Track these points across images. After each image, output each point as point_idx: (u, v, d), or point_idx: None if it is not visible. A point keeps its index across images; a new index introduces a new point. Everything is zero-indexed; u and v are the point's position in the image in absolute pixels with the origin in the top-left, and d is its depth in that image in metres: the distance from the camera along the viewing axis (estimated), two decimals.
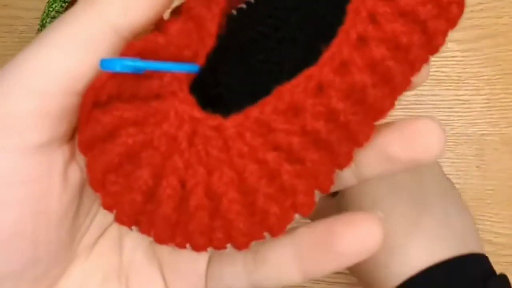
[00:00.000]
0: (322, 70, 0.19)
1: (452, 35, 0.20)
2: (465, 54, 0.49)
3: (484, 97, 0.49)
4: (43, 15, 0.43)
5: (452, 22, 0.19)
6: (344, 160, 0.20)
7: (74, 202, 0.21)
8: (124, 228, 0.20)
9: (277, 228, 0.19)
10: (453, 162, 0.48)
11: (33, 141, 0.19)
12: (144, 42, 0.19)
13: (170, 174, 0.19)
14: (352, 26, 0.19)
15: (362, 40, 0.19)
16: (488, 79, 0.49)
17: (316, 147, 0.19)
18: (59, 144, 0.20)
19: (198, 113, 0.19)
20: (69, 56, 0.19)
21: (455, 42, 0.49)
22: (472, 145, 0.48)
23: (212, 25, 0.20)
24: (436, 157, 0.21)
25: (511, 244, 0.47)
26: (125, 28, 0.20)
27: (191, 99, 0.19)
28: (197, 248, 0.20)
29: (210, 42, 0.20)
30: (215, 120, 0.19)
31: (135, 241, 0.24)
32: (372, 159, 0.21)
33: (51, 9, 0.43)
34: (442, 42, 0.19)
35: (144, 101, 0.19)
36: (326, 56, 0.19)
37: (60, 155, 0.20)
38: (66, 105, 0.19)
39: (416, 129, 0.21)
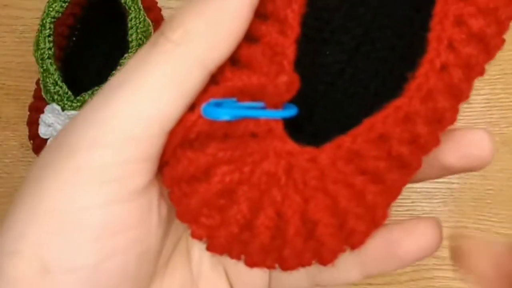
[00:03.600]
0: (411, 101, 0.20)
1: None
2: None
3: (484, 97, 0.49)
4: (43, 15, 0.43)
5: (503, 34, 0.21)
6: (415, 170, 0.21)
7: (165, 233, 0.22)
8: (192, 241, 0.21)
9: (360, 242, 0.21)
10: None
11: (135, 187, 0.19)
12: (236, 81, 0.20)
13: (268, 207, 0.19)
14: (437, 55, 0.20)
15: (443, 68, 0.20)
16: (488, 79, 0.49)
17: (397, 168, 0.20)
18: (154, 183, 0.20)
19: (294, 147, 0.20)
20: (160, 98, 0.19)
21: None
22: None
23: (290, 52, 0.20)
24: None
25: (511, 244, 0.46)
26: (213, 62, 0.19)
27: (285, 135, 0.20)
28: (286, 268, 0.21)
29: (289, 68, 0.20)
30: (310, 152, 0.20)
31: (201, 251, 0.24)
32: (427, 166, 0.22)
33: (51, 9, 0.43)
34: (495, 55, 0.21)
35: (239, 140, 0.20)
36: (413, 86, 0.20)
37: (155, 193, 0.20)
38: (159, 146, 0.20)
39: (472, 141, 0.22)
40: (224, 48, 0.20)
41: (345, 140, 0.20)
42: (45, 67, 0.42)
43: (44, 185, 0.19)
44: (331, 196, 0.20)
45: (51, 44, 0.42)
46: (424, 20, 0.21)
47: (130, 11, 0.43)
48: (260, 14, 0.20)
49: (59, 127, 0.42)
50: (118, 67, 0.42)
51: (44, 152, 0.21)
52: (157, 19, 0.46)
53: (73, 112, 0.41)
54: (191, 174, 0.20)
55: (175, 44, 0.19)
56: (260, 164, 0.19)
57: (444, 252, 0.24)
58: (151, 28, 0.44)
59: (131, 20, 0.43)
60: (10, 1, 0.49)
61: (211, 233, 0.20)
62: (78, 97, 0.42)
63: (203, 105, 0.19)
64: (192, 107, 0.20)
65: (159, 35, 0.20)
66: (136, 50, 0.42)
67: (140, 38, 0.43)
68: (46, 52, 0.42)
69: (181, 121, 0.20)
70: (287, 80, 0.20)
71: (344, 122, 0.21)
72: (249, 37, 0.20)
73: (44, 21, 0.42)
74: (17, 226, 0.19)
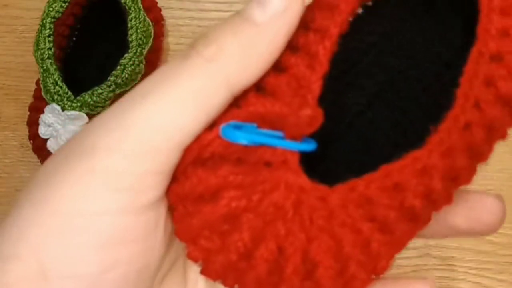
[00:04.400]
0: (430, 155, 0.19)
1: None
2: None
3: None
4: (43, 15, 0.43)
5: None
6: (424, 225, 0.21)
7: (166, 250, 0.21)
8: (190, 262, 0.21)
9: None
10: None
11: (148, 200, 0.19)
12: (258, 107, 0.20)
13: (270, 239, 0.19)
14: (462, 112, 0.20)
15: (467, 126, 0.20)
16: None
17: (407, 220, 0.20)
18: (163, 198, 0.20)
19: (306, 183, 0.19)
20: (184, 113, 0.19)
21: None
22: None
23: (316, 87, 0.20)
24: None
25: (511, 244, 0.47)
26: (241, 84, 0.19)
27: (300, 168, 0.20)
28: None
29: (313, 103, 0.20)
30: (321, 190, 0.20)
31: (197, 273, 0.23)
32: (434, 222, 0.21)
33: (51, 9, 0.43)
34: None
35: (252, 166, 0.20)
36: (434, 139, 0.20)
37: (164, 208, 0.20)
38: (176, 160, 0.19)
39: (483, 207, 0.22)
40: (254, 72, 0.19)
41: (359, 184, 0.19)
42: (45, 67, 0.42)
43: (52, 184, 0.18)
44: (336, 239, 0.19)
45: (51, 44, 0.42)
46: (453, 76, 0.20)
47: (130, 11, 0.43)
48: (290, 45, 0.20)
49: (59, 127, 0.42)
50: (118, 67, 0.42)
51: (55, 154, 0.20)
52: (157, 19, 0.46)
53: (73, 112, 0.41)
54: (198, 194, 0.19)
55: (207, 60, 0.19)
56: (269, 194, 0.19)
57: (444, 252, 0.24)
58: (151, 28, 0.44)
59: (131, 20, 0.43)
60: (10, 1, 0.49)
61: (208, 256, 0.20)
62: (78, 97, 0.42)
63: (222, 126, 0.19)
64: (211, 126, 0.20)
65: (190, 49, 0.19)
66: (136, 50, 0.43)
67: (140, 38, 0.43)
68: (46, 52, 0.42)
69: (197, 139, 0.19)
70: (310, 114, 0.19)
71: (358, 165, 0.20)
72: (277, 66, 0.20)
73: (44, 21, 0.42)
74: (17, 228, 0.18)
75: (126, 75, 0.42)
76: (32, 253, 0.18)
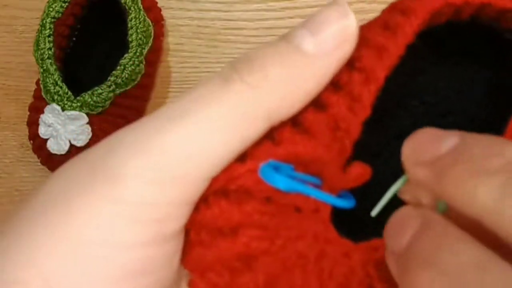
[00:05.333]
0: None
1: None
2: None
3: None
4: (43, 15, 0.43)
5: None
6: None
7: (178, 279, 0.20)
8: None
9: None
10: None
11: (171, 231, 0.18)
12: (299, 148, 0.18)
13: (283, 286, 0.18)
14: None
15: None
16: None
17: None
18: (184, 227, 0.19)
19: (334, 236, 0.19)
20: (219, 141, 0.17)
21: None
22: None
23: (355, 132, 0.19)
24: None
25: None
26: (280, 116, 0.18)
27: (330, 221, 0.19)
28: None
29: (350, 147, 0.19)
30: (346, 246, 0.19)
31: None
32: None
33: (51, 9, 0.43)
34: None
35: (281, 209, 0.19)
36: None
37: (183, 236, 0.19)
38: (203, 190, 0.18)
39: None
40: (295, 105, 0.18)
41: (383, 245, 0.18)
42: (45, 67, 0.42)
43: (70, 209, 0.17)
44: None
45: (51, 44, 0.42)
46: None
47: (130, 11, 0.43)
48: (332, 81, 0.19)
49: (59, 127, 0.42)
50: (118, 67, 0.42)
51: (69, 168, 0.18)
52: (157, 19, 0.46)
53: (73, 112, 0.41)
54: (218, 226, 0.18)
55: (250, 87, 0.17)
56: (294, 242, 0.18)
57: None
58: (151, 28, 0.44)
59: (131, 20, 0.43)
60: (10, 1, 0.49)
61: None
62: (78, 97, 0.42)
63: (262, 165, 0.18)
64: (242, 156, 0.18)
65: (232, 72, 0.18)
66: (136, 50, 0.43)
67: (140, 38, 0.43)
68: (46, 52, 0.42)
69: (227, 168, 0.18)
70: (360, 172, 0.18)
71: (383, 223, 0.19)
72: (316, 101, 0.19)
73: (44, 21, 0.42)
74: (25, 251, 0.17)
75: (126, 75, 0.42)
76: (40, 281, 0.17)
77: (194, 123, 0.17)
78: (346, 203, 0.19)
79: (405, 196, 0.18)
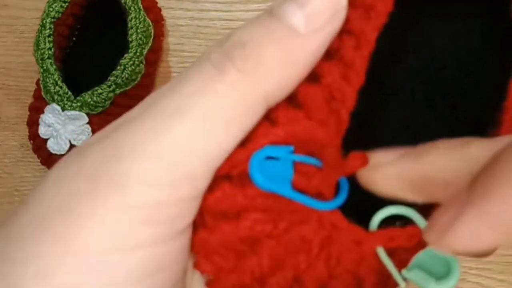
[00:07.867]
0: None
1: None
2: None
3: None
4: (43, 15, 0.43)
5: None
6: None
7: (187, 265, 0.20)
8: (192, 278, 0.20)
9: None
10: None
11: (182, 225, 0.18)
12: (297, 128, 0.18)
13: (288, 269, 0.18)
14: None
15: None
16: None
17: None
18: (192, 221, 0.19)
19: (341, 221, 0.18)
20: (219, 133, 0.17)
21: None
22: None
23: (350, 102, 0.18)
24: None
25: (511, 244, 0.47)
26: (276, 98, 0.18)
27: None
28: None
29: (346, 119, 0.19)
30: (358, 233, 0.18)
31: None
32: None
33: (51, 9, 0.43)
34: None
35: None
36: None
37: (191, 230, 0.19)
38: (210, 182, 0.18)
39: None
40: (291, 85, 0.18)
41: (400, 235, 0.18)
42: (45, 67, 0.42)
43: (80, 219, 0.17)
44: (358, 279, 0.18)
45: (51, 44, 0.42)
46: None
47: (130, 11, 0.43)
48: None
49: (59, 127, 0.42)
50: (118, 67, 0.42)
51: (68, 175, 0.18)
52: (157, 19, 0.46)
53: (73, 112, 0.41)
54: (222, 210, 0.18)
55: (245, 75, 0.17)
56: (297, 226, 0.18)
57: None
58: (151, 28, 0.44)
59: (131, 20, 0.43)
60: (10, 1, 0.49)
61: (219, 274, 0.18)
62: (78, 97, 0.42)
63: (253, 154, 0.18)
64: (243, 141, 0.18)
65: (225, 60, 0.17)
66: (136, 50, 0.43)
67: (140, 38, 0.43)
68: (46, 52, 0.42)
69: (229, 156, 0.18)
70: (358, 163, 0.18)
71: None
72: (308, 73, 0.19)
73: (44, 21, 0.42)
74: (38, 261, 0.16)
75: (126, 75, 0.42)
76: None
77: (193, 120, 0.17)
78: (327, 205, 0.18)
79: None
